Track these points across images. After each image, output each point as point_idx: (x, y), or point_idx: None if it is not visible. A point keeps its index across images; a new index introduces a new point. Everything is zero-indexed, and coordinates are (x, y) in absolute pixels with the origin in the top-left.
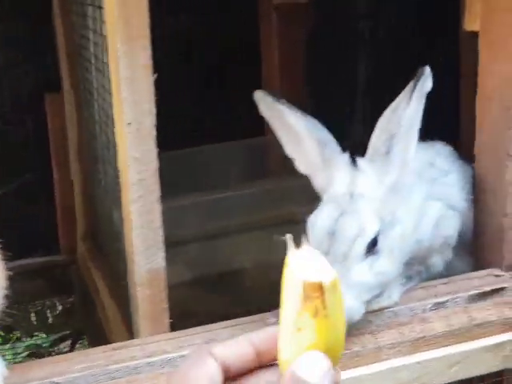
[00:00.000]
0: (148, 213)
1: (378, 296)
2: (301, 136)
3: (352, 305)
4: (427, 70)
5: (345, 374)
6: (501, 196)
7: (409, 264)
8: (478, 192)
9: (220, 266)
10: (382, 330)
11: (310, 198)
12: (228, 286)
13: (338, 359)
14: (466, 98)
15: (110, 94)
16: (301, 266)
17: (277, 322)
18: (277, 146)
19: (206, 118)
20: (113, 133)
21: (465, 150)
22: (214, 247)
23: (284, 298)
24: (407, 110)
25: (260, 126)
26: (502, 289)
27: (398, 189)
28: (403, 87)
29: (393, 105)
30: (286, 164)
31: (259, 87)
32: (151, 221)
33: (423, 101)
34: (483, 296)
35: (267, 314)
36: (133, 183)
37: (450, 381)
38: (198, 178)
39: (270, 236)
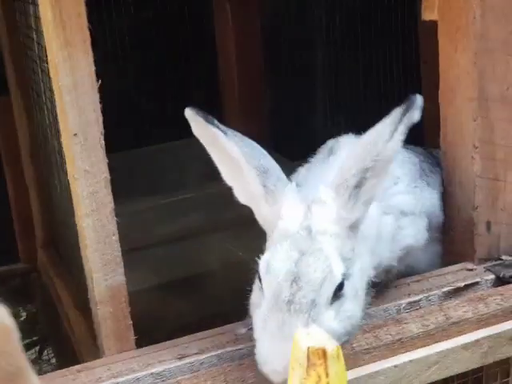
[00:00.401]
0: (103, 227)
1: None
2: (239, 163)
3: None
4: (419, 99)
5: None
6: (469, 189)
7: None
8: (445, 184)
9: (184, 269)
10: (358, 334)
11: None
12: (193, 289)
13: None
14: (427, 85)
15: (48, 108)
16: (306, 337)
17: (247, 333)
18: None
19: (160, 113)
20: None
21: (428, 138)
22: (178, 250)
23: (290, 372)
24: (389, 143)
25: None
26: (476, 283)
27: (357, 225)
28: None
29: (373, 135)
30: None
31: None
32: (107, 235)
33: (406, 132)
34: (457, 292)
35: (236, 324)
36: (84, 197)
37: (428, 381)
38: (156, 178)
39: (235, 237)
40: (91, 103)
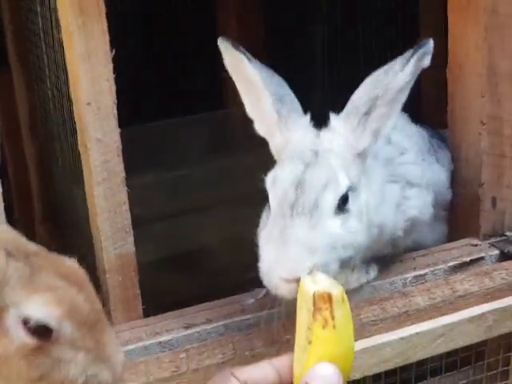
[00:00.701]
0: (114, 196)
1: (348, 265)
2: (258, 89)
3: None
4: (430, 43)
5: None
6: (475, 165)
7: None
8: (453, 160)
9: (186, 244)
10: (364, 307)
11: None
12: (195, 264)
13: (350, 370)
14: None
15: (64, 70)
16: (312, 283)
17: (254, 303)
18: (238, 119)
19: (162, 91)
20: (68, 111)
21: (426, 110)
22: (179, 226)
23: (297, 318)
24: (399, 74)
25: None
26: (481, 258)
27: (365, 157)
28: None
29: (385, 66)
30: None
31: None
32: (118, 204)
33: (416, 75)
34: (463, 267)
35: (244, 294)
36: (96, 166)
37: (433, 354)
38: (157, 154)
39: (235, 212)
40: (105, 72)
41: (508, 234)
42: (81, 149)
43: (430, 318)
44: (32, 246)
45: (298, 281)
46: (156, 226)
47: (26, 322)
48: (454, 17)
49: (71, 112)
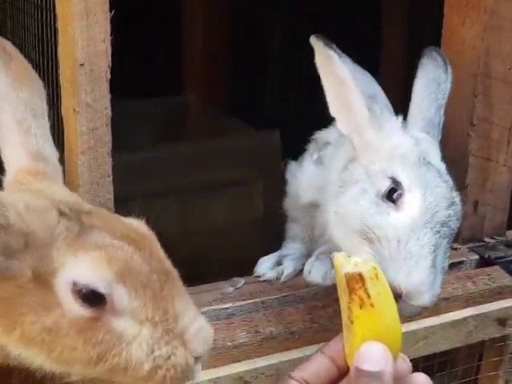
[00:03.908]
0: (98, 166)
1: None
2: (347, 87)
3: None
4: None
5: (311, 350)
6: (461, 167)
7: None
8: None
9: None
10: None
11: (233, 162)
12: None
13: (398, 345)
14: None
15: (36, 35)
16: (343, 263)
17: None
18: (195, 105)
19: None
20: (49, 75)
21: None
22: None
23: (339, 297)
24: (447, 82)
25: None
26: (461, 262)
27: None
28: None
29: (429, 76)
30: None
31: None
32: (101, 176)
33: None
34: None
35: (223, 282)
36: (83, 132)
37: (414, 356)
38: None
39: (189, 202)
40: (102, 32)
41: (486, 239)
42: (66, 114)
43: (411, 320)
44: (88, 206)
45: None
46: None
47: (75, 288)
48: (450, 15)
49: (53, 76)
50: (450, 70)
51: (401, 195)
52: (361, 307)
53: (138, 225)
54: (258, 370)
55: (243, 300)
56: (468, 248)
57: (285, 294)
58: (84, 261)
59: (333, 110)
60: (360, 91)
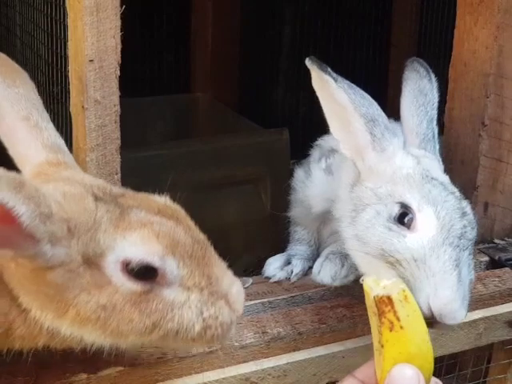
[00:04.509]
0: (107, 164)
1: None
2: (346, 112)
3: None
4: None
5: (319, 351)
6: (471, 168)
7: None
8: (446, 162)
9: None
10: (357, 304)
11: (244, 159)
12: None
13: (430, 367)
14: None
15: (45, 31)
16: (373, 287)
17: None
18: (203, 103)
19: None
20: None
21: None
22: None
23: (370, 321)
24: (434, 91)
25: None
26: None
27: None
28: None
29: (415, 88)
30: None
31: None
32: (110, 173)
33: None
34: None
35: None
36: (91, 129)
37: None
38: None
39: (197, 200)
40: (112, 28)
41: (496, 241)
42: (74, 111)
43: None
44: (118, 189)
45: None
46: None
47: (126, 265)
48: (463, 14)
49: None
50: (434, 78)
51: (412, 219)
52: (391, 330)
53: (166, 200)
54: (265, 371)
55: (251, 300)
56: (478, 249)
57: (293, 295)
58: (134, 239)
59: (333, 131)
60: (359, 115)
